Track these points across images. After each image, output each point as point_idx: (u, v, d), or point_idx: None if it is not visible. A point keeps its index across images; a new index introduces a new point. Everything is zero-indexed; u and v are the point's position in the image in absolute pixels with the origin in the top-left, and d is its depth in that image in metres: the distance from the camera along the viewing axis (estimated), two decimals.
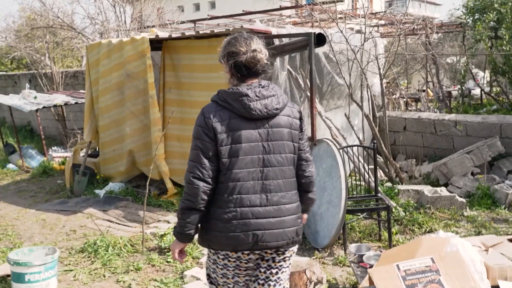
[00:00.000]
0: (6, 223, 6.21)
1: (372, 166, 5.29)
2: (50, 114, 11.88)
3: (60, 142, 11.58)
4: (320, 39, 5.36)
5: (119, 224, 5.98)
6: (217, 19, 12.22)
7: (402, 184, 6.60)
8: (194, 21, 12.03)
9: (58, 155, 9.67)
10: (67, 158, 8.30)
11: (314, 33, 5.31)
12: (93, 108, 7.40)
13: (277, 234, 2.37)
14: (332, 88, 6.91)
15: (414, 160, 7.42)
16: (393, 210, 5.32)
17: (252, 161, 2.34)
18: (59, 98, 9.75)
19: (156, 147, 6.44)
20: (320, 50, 6.65)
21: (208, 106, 2.42)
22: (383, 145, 6.51)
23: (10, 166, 9.79)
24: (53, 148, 10.11)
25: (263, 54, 2.39)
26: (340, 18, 6.82)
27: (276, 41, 5.93)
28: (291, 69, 6.23)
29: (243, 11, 11.31)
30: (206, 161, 2.33)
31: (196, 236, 2.49)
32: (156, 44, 6.98)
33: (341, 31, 6.24)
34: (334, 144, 4.91)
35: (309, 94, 6.26)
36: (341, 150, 4.99)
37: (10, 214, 6.68)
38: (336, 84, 6.94)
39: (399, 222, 5.39)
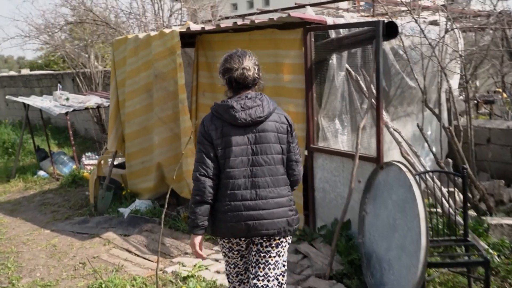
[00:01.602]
0: (11, 249, 5.35)
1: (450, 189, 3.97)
2: (90, 115, 11.23)
3: (99, 147, 10.87)
4: (390, 30, 4.10)
5: (138, 256, 4.96)
6: (267, 13, 11.09)
7: (490, 213, 5.21)
8: (242, 16, 10.96)
9: (89, 163, 8.85)
10: (92, 169, 7.41)
11: (383, 21, 4.06)
12: (118, 113, 6.45)
13: (267, 224, 2.74)
14: (402, 91, 5.61)
15: (502, 181, 5.97)
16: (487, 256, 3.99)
17: (243, 162, 2.74)
18: (93, 100, 8.93)
19: (186, 160, 5.41)
20: (387, 46, 5.37)
21: (206, 116, 2.83)
22: (466, 164, 5.15)
23: (41, 173, 9.09)
24: (86, 154, 9.31)
25: (251, 71, 2.74)
26: (413, 9, 5.50)
27: (333, 34, 4.72)
28: (350, 69, 5.00)
29: (295, 4, 10.13)
30: (209, 161, 2.74)
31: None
32: (190, 39, 5.93)
33: (416, 21, 4.93)
34: (409, 170, 3.65)
35: (373, 100, 5.03)
36: (417, 177, 3.73)
37: (21, 236, 5.84)
38: (407, 87, 5.63)
39: (493, 271, 4.06)
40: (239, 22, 5.27)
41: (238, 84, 2.75)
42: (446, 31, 5.23)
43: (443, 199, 4.36)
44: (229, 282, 3.08)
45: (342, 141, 5.01)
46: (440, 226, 4.07)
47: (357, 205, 4.25)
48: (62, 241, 5.53)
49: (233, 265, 2.98)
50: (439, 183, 4.55)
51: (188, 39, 5.92)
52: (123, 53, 6.24)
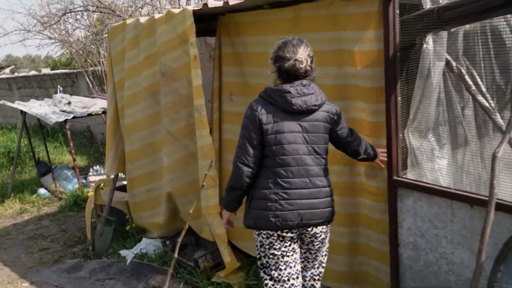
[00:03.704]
0: None
1: None
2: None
3: None
4: None
5: None
6: None
7: None
8: None
9: (95, 180, 7.32)
10: (89, 196, 5.85)
11: None
12: (118, 125, 4.88)
13: (319, 213, 2.73)
14: None
15: None
16: None
17: (296, 149, 2.69)
18: (98, 103, 7.42)
19: (206, 193, 3.81)
20: (499, 20, 3.59)
21: (256, 100, 2.76)
22: None
23: (41, 191, 7.65)
24: (94, 167, 7.81)
25: (303, 64, 2.68)
26: None
27: (428, 3, 2.98)
28: (449, 58, 3.25)
29: None
30: (251, 149, 2.69)
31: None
32: (208, 23, 4.29)
33: None
34: None
35: (485, 102, 3.32)
36: None
37: None
38: None
39: None
40: None
41: (289, 75, 2.71)
42: None
43: None
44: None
45: (439, 168, 3.28)
46: None
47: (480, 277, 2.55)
48: None
49: (283, 265, 2.78)
50: None
51: (208, 22, 4.28)
52: (120, 45, 4.67)
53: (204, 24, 4.34)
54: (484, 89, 3.40)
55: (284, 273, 2.78)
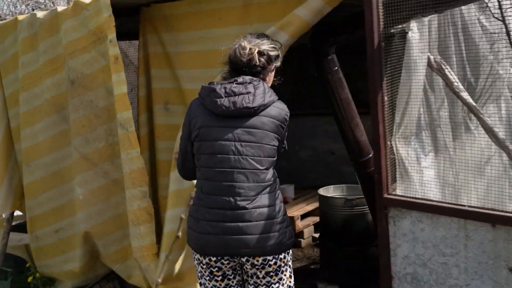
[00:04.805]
0: None
1: None
2: None
3: None
4: None
5: None
6: None
7: None
8: None
9: None
10: None
11: None
12: (12, 151, 3.86)
13: (249, 241, 2.22)
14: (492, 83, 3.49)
15: None
16: None
17: (222, 161, 2.26)
18: None
19: (138, 230, 3.03)
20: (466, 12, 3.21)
21: (194, 100, 2.39)
22: None
23: None
24: None
25: (246, 49, 2.27)
26: None
27: None
28: (432, 57, 2.78)
29: None
30: (187, 156, 2.39)
31: None
32: (129, 19, 3.48)
33: None
34: None
35: (470, 100, 2.91)
36: None
37: None
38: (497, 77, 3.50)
39: None
40: None
41: (233, 67, 2.33)
42: None
43: None
44: None
45: (428, 180, 2.77)
46: None
47: None
48: None
49: None
50: None
51: (129, 23, 3.46)
52: (12, 48, 3.69)
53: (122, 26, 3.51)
54: (461, 86, 2.97)
55: None
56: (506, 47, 3.10)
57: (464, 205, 2.29)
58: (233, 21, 2.81)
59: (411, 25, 2.57)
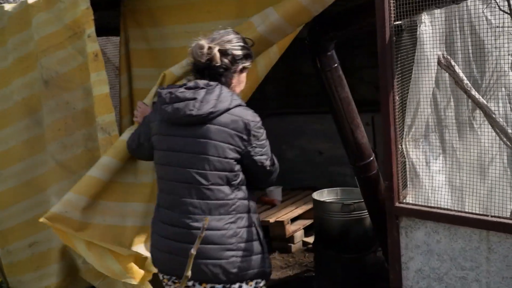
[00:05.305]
0: None
1: None
2: None
3: None
4: None
5: None
6: None
7: None
8: None
9: None
10: None
11: None
12: None
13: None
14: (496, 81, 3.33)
15: None
16: None
17: (167, 173, 2.14)
18: None
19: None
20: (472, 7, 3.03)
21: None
22: None
23: None
24: None
25: (204, 49, 2.06)
26: None
27: None
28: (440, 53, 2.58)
29: None
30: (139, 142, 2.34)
31: None
32: (108, 17, 3.20)
33: None
34: None
35: (481, 99, 2.73)
36: None
37: None
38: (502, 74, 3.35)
39: None
40: None
41: (194, 66, 2.15)
42: None
43: None
44: None
45: (439, 185, 2.57)
46: None
47: None
48: None
49: None
50: None
51: (109, 17, 3.17)
52: None
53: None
54: (469, 84, 2.79)
55: None
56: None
57: (487, 215, 2.10)
58: (227, 14, 2.56)
59: (422, 17, 2.36)
